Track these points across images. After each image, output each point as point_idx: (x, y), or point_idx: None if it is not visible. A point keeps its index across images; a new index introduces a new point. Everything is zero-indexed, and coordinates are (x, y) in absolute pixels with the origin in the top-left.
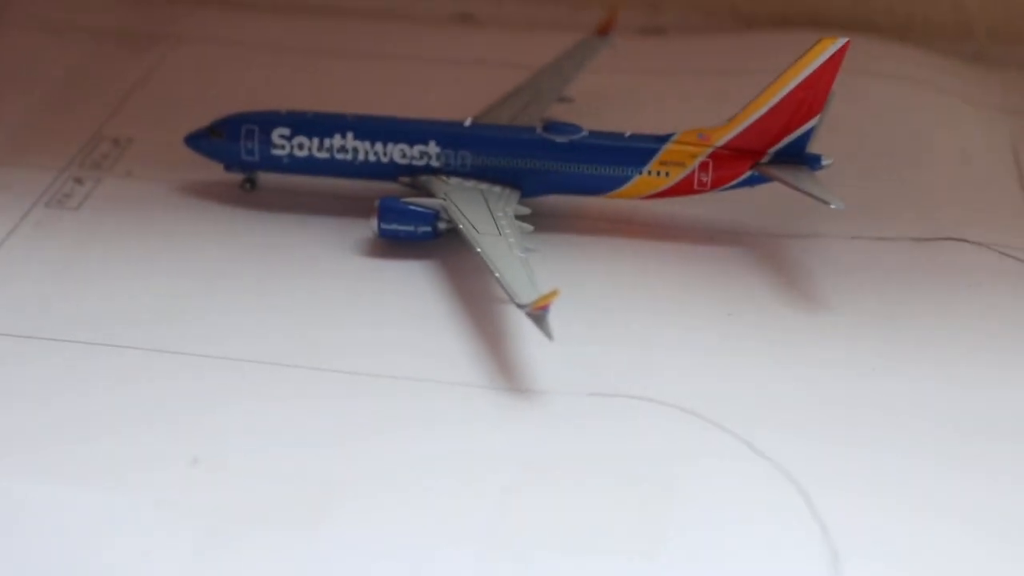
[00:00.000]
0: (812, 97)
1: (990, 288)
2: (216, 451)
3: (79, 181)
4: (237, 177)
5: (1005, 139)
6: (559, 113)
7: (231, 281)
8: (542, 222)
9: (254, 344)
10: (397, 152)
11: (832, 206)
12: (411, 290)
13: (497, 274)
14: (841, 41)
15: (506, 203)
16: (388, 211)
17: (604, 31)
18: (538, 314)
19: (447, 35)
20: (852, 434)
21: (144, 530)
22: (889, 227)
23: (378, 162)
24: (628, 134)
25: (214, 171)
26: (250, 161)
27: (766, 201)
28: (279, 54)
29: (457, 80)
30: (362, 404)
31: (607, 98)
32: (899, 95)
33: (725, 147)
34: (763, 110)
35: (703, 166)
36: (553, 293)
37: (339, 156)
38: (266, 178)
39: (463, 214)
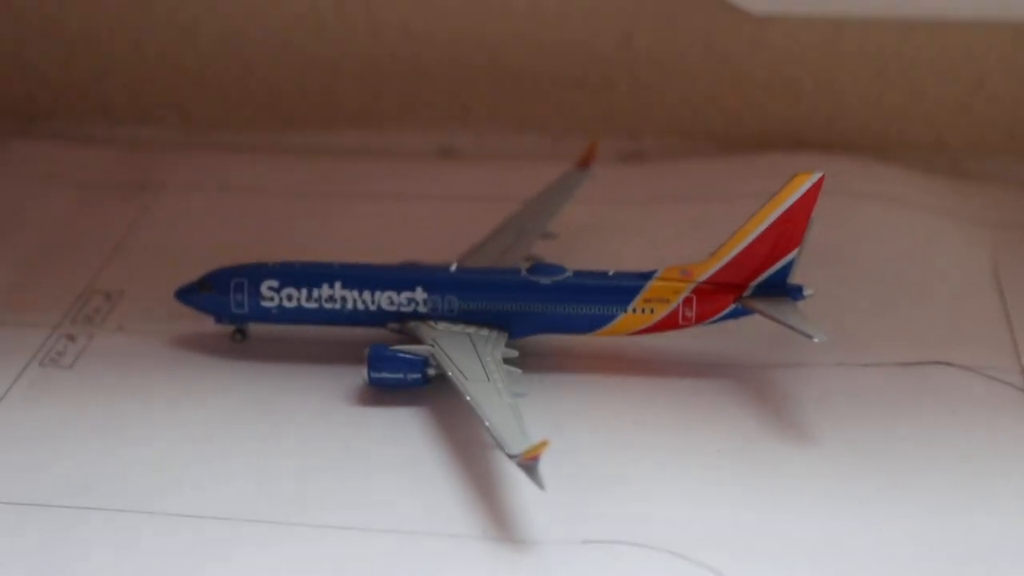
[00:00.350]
0: (791, 230)
1: (976, 412)
2: None
3: (71, 338)
4: (228, 328)
5: (985, 253)
6: (544, 249)
7: (225, 436)
8: (530, 362)
9: (247, 502)
10: (385, 299)
11: (815, 339)
12: (402, 438)
13: (487, 423)
14: (816, 175)
15: (494, 346)
16: (377, 360)
17: (585, 164)
18: (529, 464)
19: (431, 170)
20: (850, 571)
21: None
22: (874, 353)
23: (366, 310)
24: (612, 272)
25: (205, 322)
26: (240, 314)
27: (751, 332)
28: (264, 197)
29: (442, 215)
30: (355, 560)
31: (590, 230)
32: (878, 214)
33: (708, 282)
34: (743, 244)
35: (687, 302)
36: (543, 444)
37: (327, 305)
38: (257, 328)
39: (452, 361)
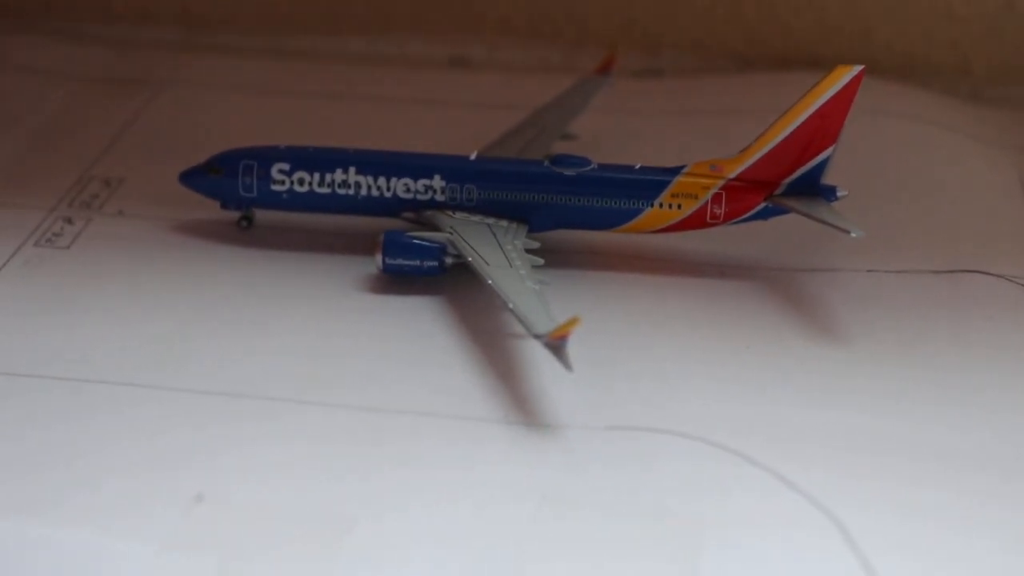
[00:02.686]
0: (827, 126)
1: (1009, 318)
2: (220, 489)
3: (69, 220)
4: (232, 215)
5: (1012, 174)
6: (563, 149)
7: (229, 319)
8: (551, 257)
9: (255, 381)
10: (401, 187)
11: (852, 234)
12: (418, 325)
13: (511, 305)
14: (857, 68)
15: (514, 236)
16: (393, 245)
17: (604, 70)
18: (556, 344)
19: (441, 78)
20: (881, 465)
21: (148, 571)
22: (905, 260)
23: (381, 197)
24: (638, 166)
25: (209, 209)
26: (249, 197)
27: (780, 235)
28: (271, 97)
29: (453, 121)
30: (373, 439)
31: (609, 137)
32: (903, 131)
33: (738, 178)
34: (777, 140)
35: (716, 198)
36: (573, 321)
37: (341, 191)
38: (263, 216)
39: (471, 247)
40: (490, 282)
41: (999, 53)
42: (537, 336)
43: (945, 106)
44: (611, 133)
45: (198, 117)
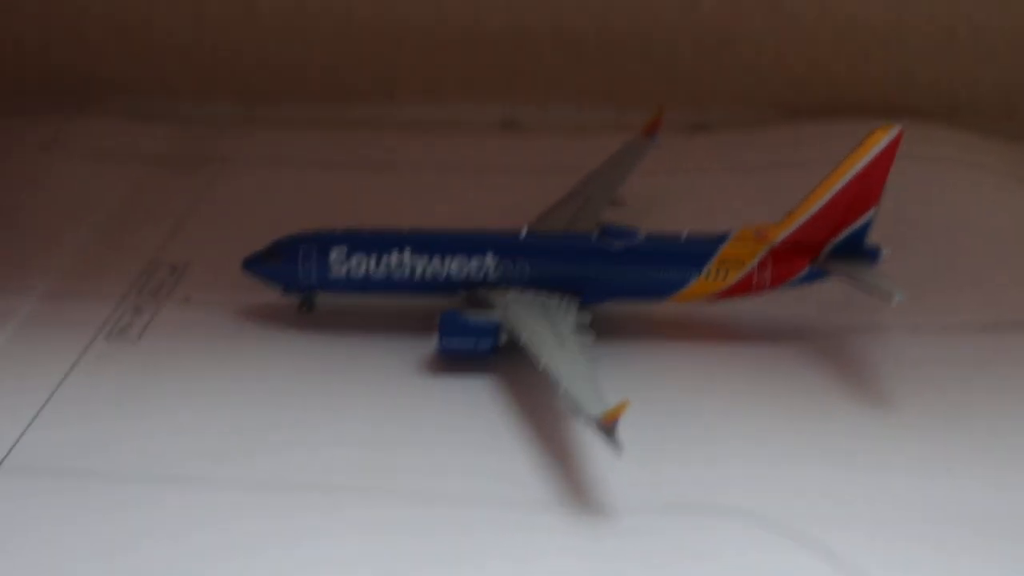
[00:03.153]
0: (868, 189)
1: None
2: None
3: (138, 310)
4: (295, 300)
5: None
6: (612, 216)
7: (293, 405)
8: (603, 329)
9: (322, 472)
10: (455, 266)
11: (895, 299)
12: (474, 406)
13: (563, 387)
14: (895, 130)
15: (566, 312)
16: (448, 326)
17: (650, 132)
18: (607, 427)
19: (493, 142)
20: (936, 539)
21: None
22: (951, 315)
23: (436, 277)
24: (685, 235)
25: (272, 293)
26: (307, 282)
27: (825, 296)
28: (326, 170)
29: (506, 187)
30: (432, 527)
31: (658, 199)
32: (948, 178)
33: (783, 243)
34: (819, 204)
35: (762, 264)
36: (622, 405)
37: (396, 273)
38: (324, 299)
39: (524, 326)
40: (543, 363)
41: None
42: (589, 419)
43: (991, 148)
44: (661, 195)
45: (259, 194)
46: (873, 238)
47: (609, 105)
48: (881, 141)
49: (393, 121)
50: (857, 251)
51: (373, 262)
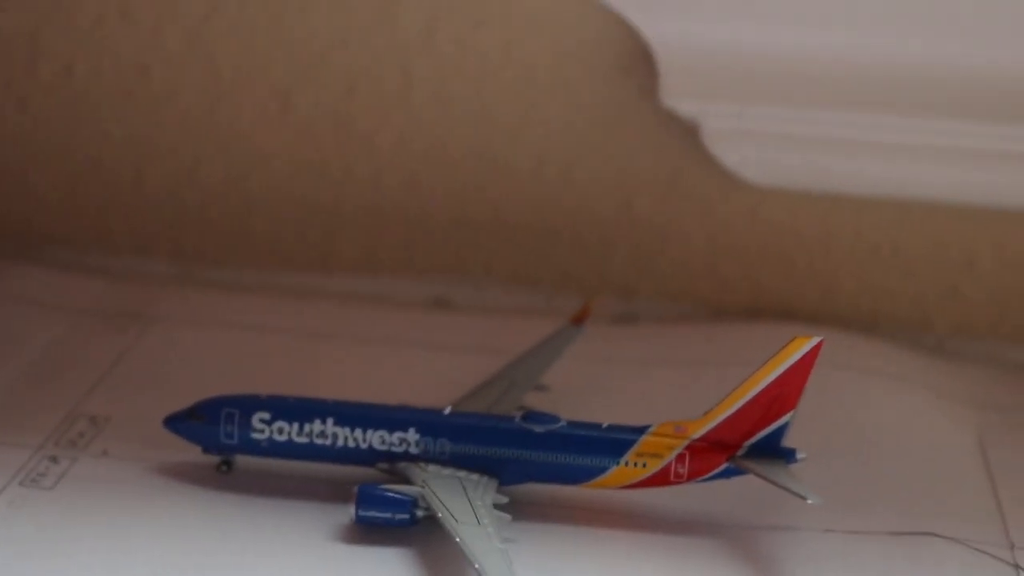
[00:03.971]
0: (786, 393)
1: None
2: None
3: (54, 459)
4: (214, 458)
5: (970, 430)
6: (535, 401)
7: (209, 567)
8: (519, 511)
9: None
10: (376, 439)
11: (809, 501)
12: None
13: (476, 565)
14: (815, 340)
15: (484, 491)
16: (366, 497)
17: (579, 320)
18: None
19: (425, 320)
20: None
21: None
22: (861, 520)
23: (357, 448)
24: (606, 425)
25: (191, 451)
26: (229, 444)
27: (738, 493)
28: (259, 334)
29: (434, 364)
30: None
31: (581, 387)
32: (865, 387)
33: (701, 440)
34: (738, 405)
35: (680, 458)
36: None
37: (319, 441)
38: (243, 460)
39: (442, 502)
40: (458, 539)
41: (961, 311)
42: None
43: (908, 360)
44: (583, 383)
45: (186, 354)
46: (791, 441)
47: (540, 290)
48: (801, 349)
49: (327, 292)
50: (774, 451)
51: (295, 429)
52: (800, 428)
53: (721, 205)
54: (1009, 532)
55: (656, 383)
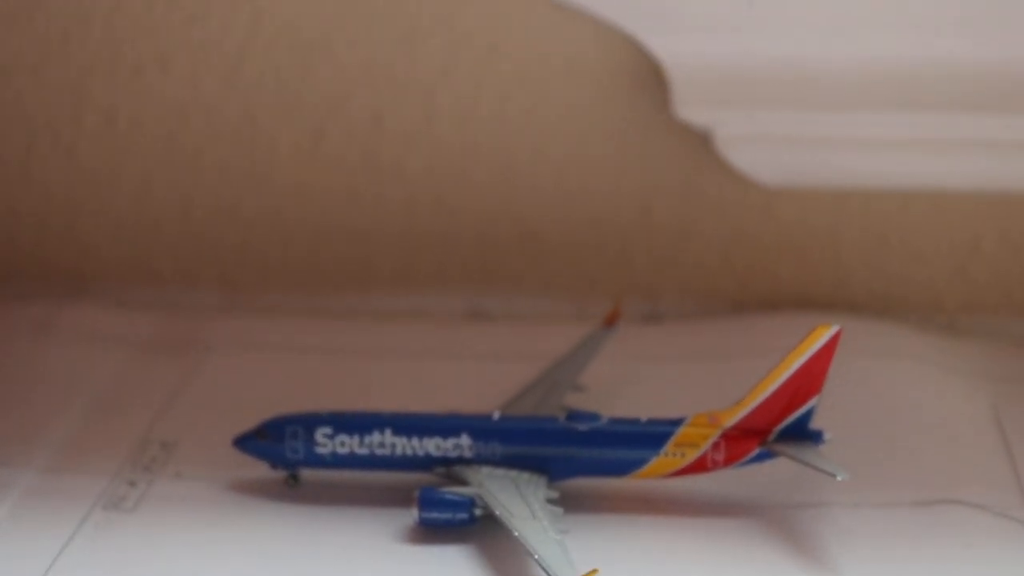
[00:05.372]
0: (810, 380)
1: (987, 547)
2: None
3: (132, 483)
4: (281, 474)
5: (985, 403)
6: (574, 401)
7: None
8: (570, 504)
9: None
10: (432, 445)
11: (838, 478)
12: (456, 574)
13: (536, 555)
14: (834, 329)
15: (536, 488)
16: (427, 501)
17: (610, 322)
18: None
19: (462, 331)
20: None
21: None
22: (887, 493)
23: (415, 455)
24: (644, 419)
25: (259, 468)
26: (295, 459)
27: (774, 474)
28: (304, 355)
29: (475, 373)
30: None
31: (617, 385)
32: (882, 369)
33: (734, 428)
34: (766, 394)
35: (715, 446)
36: (592, 572)
37: (379, 451)
38: (309, 473)
39: (499, 500)
40: (516, 533)
41: (970, 290)
42: None
43: (921, 341)
44: (618, 381)
45: (241, 377)
46: (817, 423)
47: (569, 298)
48: (822, 338)
49: (367, 311)
50: (802, 434)
51: (356, 441)
52: (825, 411)
53: (735, 206)
54: None
55: (686, 377)
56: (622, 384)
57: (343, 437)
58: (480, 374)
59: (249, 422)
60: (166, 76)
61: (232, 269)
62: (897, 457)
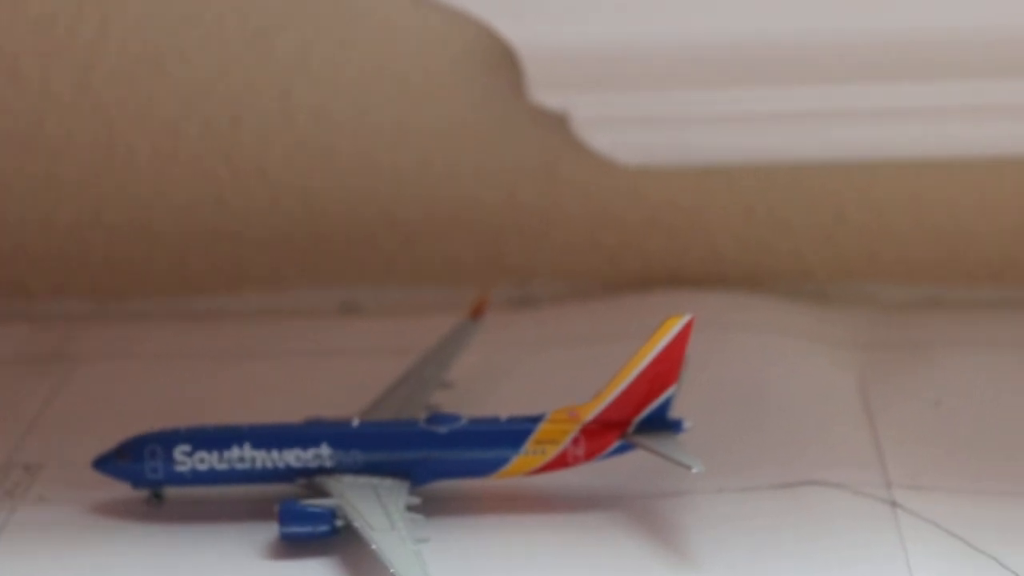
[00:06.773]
0: (666, 369)
1: (846, 527)
2: None
3: None
4: (145, 493)
5: (851, 373)
6: (442, 398)
7: None
8: (432, 508)
9: None
10: (292, 457)
11: (693, 470)
12: None
13: (392, 570)
14: (685, 318)
15: (397, 495)
16: (288, 514)
17: (477, 314)
18: None
19: (334, 327)
20: None
21: None
22: (751, 478)
23: (275, 468)
24: (504, 418)
25: (124, 488)
26: (155, 479)
27: (639, 465)
28: (175, 361)
29: (347, 369)
30: None
31: (486, 378)
32: (752, 345)
33: (593, 422)
34: (623, 385)
35: (575, 441)
36: None
37: (239, 466)
38: (172, 491)
39: (358, 512)
40: (374, 547)
41: (837, 257)
42: None
43: (791, 311)
44: (487, 374)
45: (110, 389)
46: (682, 403)
47: (442, 286)
48: (674, 328)
49: (238, 311)
50: (662, 424)
51: (216, 457)
52: (690, 393)
53: (599, 186)
54: (888, 470)
55: (555, 365)
56: (491, 376)
57: (202, 454)
58: (353, 370)
59: (118, 438)
60: (16, 85)
61: (100, 277)
62: (761, 438)
